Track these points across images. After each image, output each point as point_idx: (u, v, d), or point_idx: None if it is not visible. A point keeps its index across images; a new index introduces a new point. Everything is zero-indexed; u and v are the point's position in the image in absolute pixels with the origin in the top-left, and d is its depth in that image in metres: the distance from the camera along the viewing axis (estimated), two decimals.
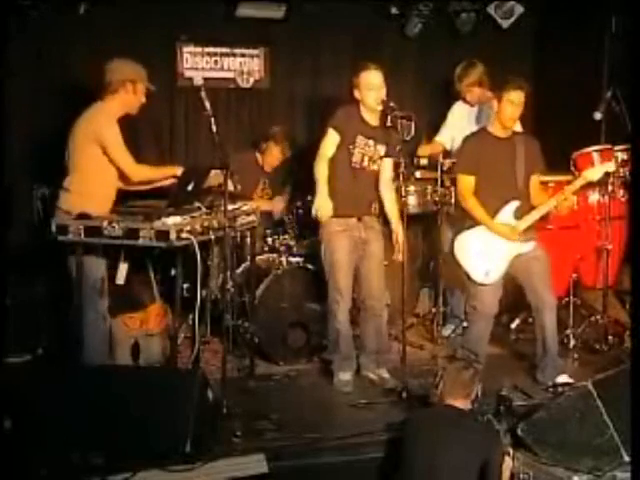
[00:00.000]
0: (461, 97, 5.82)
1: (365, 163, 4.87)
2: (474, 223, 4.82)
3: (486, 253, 4.78)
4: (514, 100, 4.73)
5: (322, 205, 4.79)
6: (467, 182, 4.83)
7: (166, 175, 4.78)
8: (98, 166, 4.55)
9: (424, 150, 5.82)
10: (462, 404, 3.81)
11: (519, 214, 4.80)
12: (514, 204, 4.79)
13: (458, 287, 5.69)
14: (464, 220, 4.91)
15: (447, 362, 4.82)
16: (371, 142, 4.84)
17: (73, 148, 4.58)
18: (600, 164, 5.06)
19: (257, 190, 5.86)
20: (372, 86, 4.75)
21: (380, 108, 4.78)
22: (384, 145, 4.87)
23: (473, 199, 4.80)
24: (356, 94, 4.81)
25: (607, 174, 5.32)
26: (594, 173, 4.84)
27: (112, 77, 4.58)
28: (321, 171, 4.84)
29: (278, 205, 5.84)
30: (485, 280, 4.81)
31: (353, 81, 4.81)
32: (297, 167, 6.00)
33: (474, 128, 5.40)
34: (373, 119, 4.85)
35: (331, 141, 4.84)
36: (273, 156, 5.86)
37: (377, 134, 4.85)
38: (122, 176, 4.65)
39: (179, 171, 4.74)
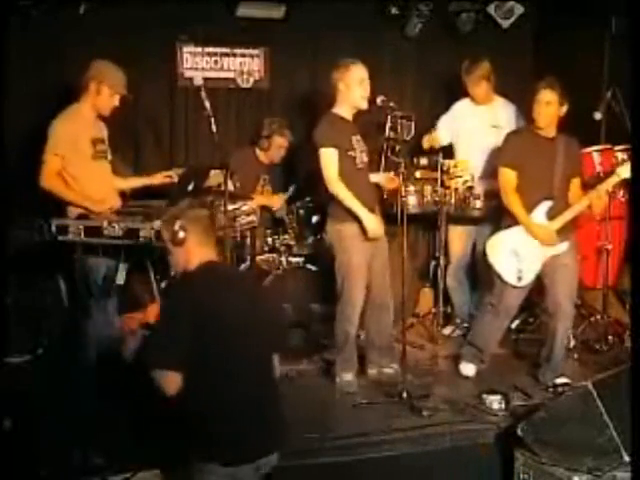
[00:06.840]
0: (468, 95, 5.77)
1: (365, 159, 4.85)
2: (511, 223, 4.77)
3: (520, 254, 4.75)
4: (543, 99, 4.69)
5: (373, 225, 4.69)
6: (509, 176, 4.77)
7: (149, 182, 4.82)
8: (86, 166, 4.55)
9: (425, 141, 5.81)
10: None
11: (552, 214, 4.74)
12: (547, 204, 4.73)
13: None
14: (499, 218, 4.87)
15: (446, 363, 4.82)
16: (359, 137, 4.83)
17: None
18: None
19: (257, 187, 5.83)
20: (357, 81, 4.71)
21: (365, 106, 4.75)
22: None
23: (515, 195, 4.74)
24: (340, 91, 4.74)
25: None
26: (628, 170, 4.67)
27: (84, 76, 4.58)
28: (343, 191, 4.67)
29: (278, 201, 5.77)
30: (518, 284, 4.79)
31: (335, 78, 4.74)
32: (297, 167, 6.01)
33: (482, 128, 5.40)
34: (351, 116, 4.83)
35: (332, 160, 4.70)
36: (279, 148, 5.80)
37: (356, 128, 4.84)
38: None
39: (175, 175, 4.74)
